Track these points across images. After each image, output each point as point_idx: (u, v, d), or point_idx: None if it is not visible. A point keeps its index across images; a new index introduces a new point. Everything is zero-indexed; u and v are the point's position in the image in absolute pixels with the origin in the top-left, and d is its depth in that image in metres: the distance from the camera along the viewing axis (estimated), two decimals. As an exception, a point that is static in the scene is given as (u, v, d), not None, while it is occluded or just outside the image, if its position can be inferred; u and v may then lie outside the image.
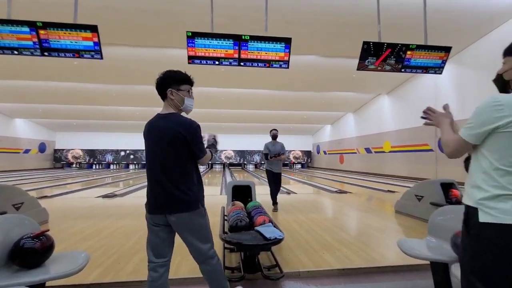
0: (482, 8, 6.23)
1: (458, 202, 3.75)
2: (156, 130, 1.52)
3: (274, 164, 4.87)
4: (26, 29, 3.71)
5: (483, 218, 0.99)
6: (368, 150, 14.65)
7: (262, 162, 22.76)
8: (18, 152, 16.84)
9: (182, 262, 2.33)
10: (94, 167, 20.64)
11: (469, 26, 7.06)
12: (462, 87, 8.68)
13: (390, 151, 12.65)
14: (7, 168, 15.56)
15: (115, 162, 20.91)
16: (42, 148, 18.98)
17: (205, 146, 1.67)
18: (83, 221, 4.00)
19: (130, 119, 17.10)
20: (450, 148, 1.11)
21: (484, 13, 6.42)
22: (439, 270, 1.77)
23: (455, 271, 1.45)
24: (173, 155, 1.48)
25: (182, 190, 1.47)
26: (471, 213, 1.04)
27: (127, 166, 20.93)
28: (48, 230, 1.54)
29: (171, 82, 1.57)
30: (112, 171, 18.21)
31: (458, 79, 8.86)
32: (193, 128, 1.50)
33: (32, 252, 1.42)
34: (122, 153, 20.98)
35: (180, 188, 1.47)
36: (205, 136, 1.75)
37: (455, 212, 1.86)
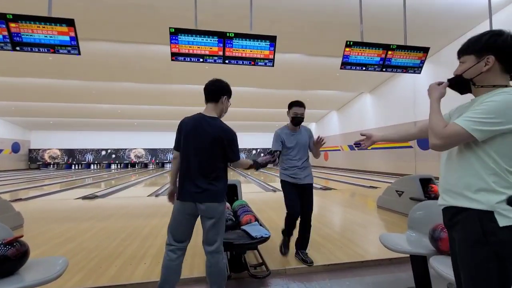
0: (458, 10, 6.52)
1: (437, 197, 3.92)
2: (201, 129, 1.74)
3: (297, 168, 2.50)
4: (-5, 21, 3.48)
5: (503, 222, 0.91)
6: (351, 147, 15.02)
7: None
8: (-11, 153, 15.88)
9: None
10: (73, 167, 19.81)
11: (446, 28, 7.37)
12: (439, 86, 9.09)
13: (372, 148, 13.02)
14: (-24, 170, 14.63)
15: (96, 162, 20.18)
16: (15, 148, 17.97)
17: (260, 159, 2.01)
18: (61, 224, 3.83)
19: (111, 117, 16.54)
20: (449, 139, 0.98)
21: (460, 15, 6.72)
22: (418, 262, 1.85)
23: (433, 263, 1.52)
24: (212, 154, 1.72)
25: (213, 184, 1.71)
26: (484, 218, 0.93)
27: (108, 166, 20.25)
28: (22, 236, 1.46)
29: (228, 92, 1.88)
30: (92, 171, 17.56)
31: (435, 78, 9.09)
32: (231, 135, 1.77)
33: (4, 259, 1.33)
34: (103, 153, 20.27)
35: (212, 182, 1.71)
36: (265, 155, 2.05)
37: (433, 207, 1.94)
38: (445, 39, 8.18)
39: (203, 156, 1.71)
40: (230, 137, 1.76)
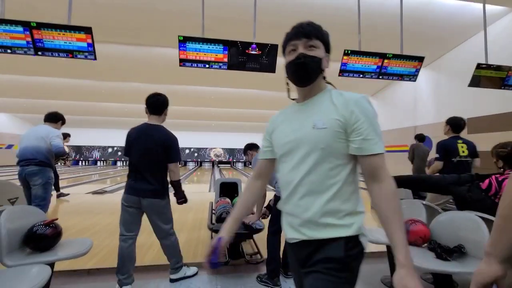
0: (455, 20, 6.72)
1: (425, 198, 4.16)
2: (145, 136, 2.05)
3: None
4: (20, 28, 3.81)
5: (364, 241, 0.92)
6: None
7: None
8: (0, 148, 16.41)
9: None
10: (80, 163, 20.30)
11: (444, 36, 7.57)
12: (438, 92, 9.26)
13: (373, 151, 13.19)
14: (-11, 164, 15.18)
15: (103, 159, 20.65)
16: (25, 143, 18.49)
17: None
18: (74, 216, 4.14)
19: (118, 115, 16.96)
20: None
21: (457, 24, 6.91)
22: (392, 252, 2.11)
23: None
24: (156, 157, 2.01)
25: (154, 183, 1.99)
26: (350, 243, 0.87)
27: (114, 163, 20.71)
28: (57, 219, 1.76)
29: (167, 105, 2.21)
30: (99, 168, 18.01)
31: (434, 84, 9.44)
32: (173, 140, 2.08)
33: (44, 237, 1.63)
34: (110, 150, 20.74)
35: (154, 181, 2.00)
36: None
37: (408, 205, 2.20)
38: (444, 47, 8.36)
39: (148, 159, 2.00)
40: (172, 142, 2.06)
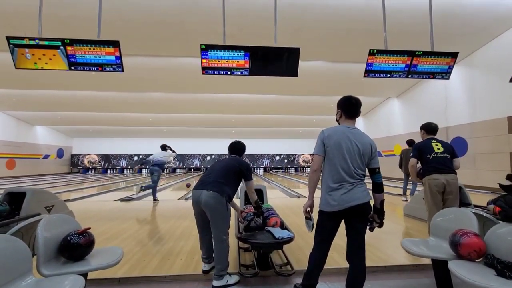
0: (491, 11, 6.25)
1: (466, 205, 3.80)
2: (226, 161, 2.56)
3: None
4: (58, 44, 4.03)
5: None
6: (378, 154, 14.56)
7: (273, 166, 22.69)
8: (38, 158, 17.62)
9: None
10: (108, 171, 21.27)
11: (479, 29, 7.06)
12: (473, 89, 8.62)
13: (401, 155, 12.56)
14: (28, 173, 16.32)
15: (129, 167, 21.49)
16: (60, 153, 19.77)
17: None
18: (104, 223, 4.27)
19: (143, 124, 17.64)
20: None
21: (493, 16, 6.44)
22: (439, 267, 1.90)
23: (452, 267, 1.58)
24: (232, 174, 2.41)
25: (222, 187, 2.25)
26: None
27: (140, 170, 21.46)
28: (90, 228, 1.78)
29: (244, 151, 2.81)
30: (126, 175, 18.73)
31: (468, 82, 8.81)
32: (246, 166, 2.48)
33: (78, 246, 1.65)
34: (136, 158, 21.56)
35: (224, 186, 2.27)
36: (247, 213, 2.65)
37: (454, 213, 1.99)
38: (478, 41, 7.82)
39: (225, 173, 2.41)
40: (245, 167, 2.46)
